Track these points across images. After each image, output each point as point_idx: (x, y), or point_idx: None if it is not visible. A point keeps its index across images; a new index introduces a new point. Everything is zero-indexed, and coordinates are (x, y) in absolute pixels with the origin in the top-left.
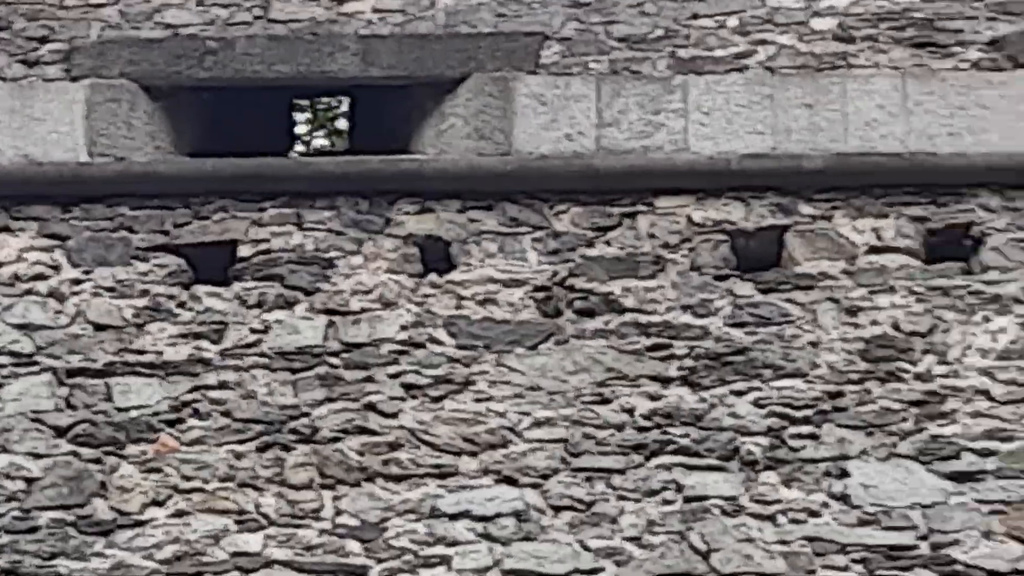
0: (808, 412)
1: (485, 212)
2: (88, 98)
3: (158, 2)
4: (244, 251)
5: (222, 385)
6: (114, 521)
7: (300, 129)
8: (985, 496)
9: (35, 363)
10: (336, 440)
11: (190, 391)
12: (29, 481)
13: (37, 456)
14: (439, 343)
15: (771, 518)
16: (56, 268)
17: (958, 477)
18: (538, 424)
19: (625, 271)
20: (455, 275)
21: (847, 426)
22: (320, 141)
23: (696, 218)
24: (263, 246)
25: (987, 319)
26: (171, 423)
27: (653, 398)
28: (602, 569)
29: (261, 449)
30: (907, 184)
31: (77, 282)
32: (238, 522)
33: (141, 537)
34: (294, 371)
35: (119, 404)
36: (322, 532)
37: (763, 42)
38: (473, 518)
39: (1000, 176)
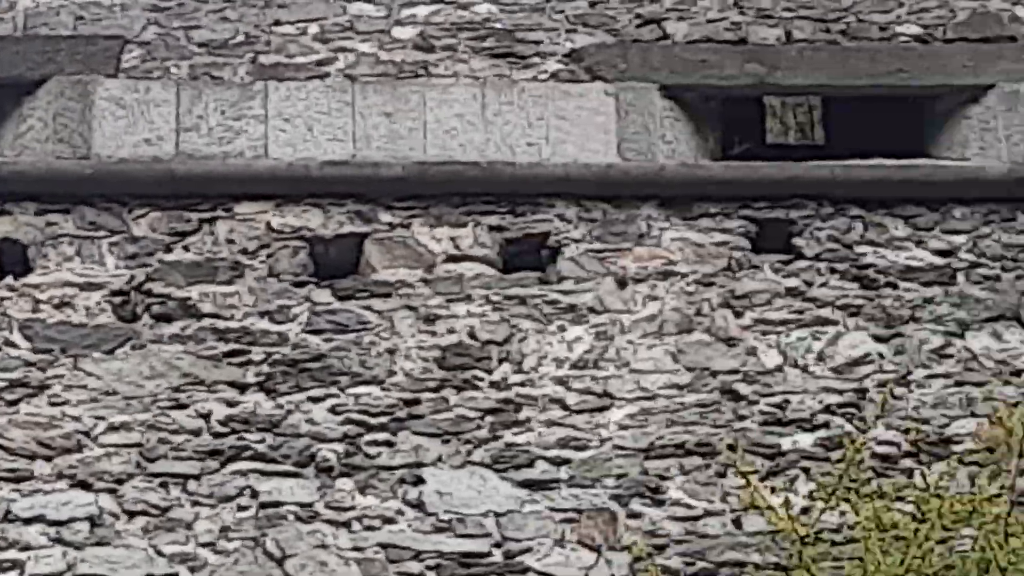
0: (384, 419)
1: (63, 215)
2: None
3: None
4: None
5: None
6: None
7: None
8: (558, 504)
9: None
10: None
11: None
12: None
13: None
14: (15, 346)
15: (346, 524)
16: None
17: (532, 485)
18: (114, 429)
19: (203, 276)
20: (32, 278)
21: (423, 433)
22: None
23: (275, 224)
24: None
25: (563, 328)
26: None
27: (230, 404)
28: (176, 574)
29: None
30: (485, 193)
31: None
32: None
33: None
34: None
35: None
36: None
37: (344, 50)
38: (47, 522)
39: (577, 187)
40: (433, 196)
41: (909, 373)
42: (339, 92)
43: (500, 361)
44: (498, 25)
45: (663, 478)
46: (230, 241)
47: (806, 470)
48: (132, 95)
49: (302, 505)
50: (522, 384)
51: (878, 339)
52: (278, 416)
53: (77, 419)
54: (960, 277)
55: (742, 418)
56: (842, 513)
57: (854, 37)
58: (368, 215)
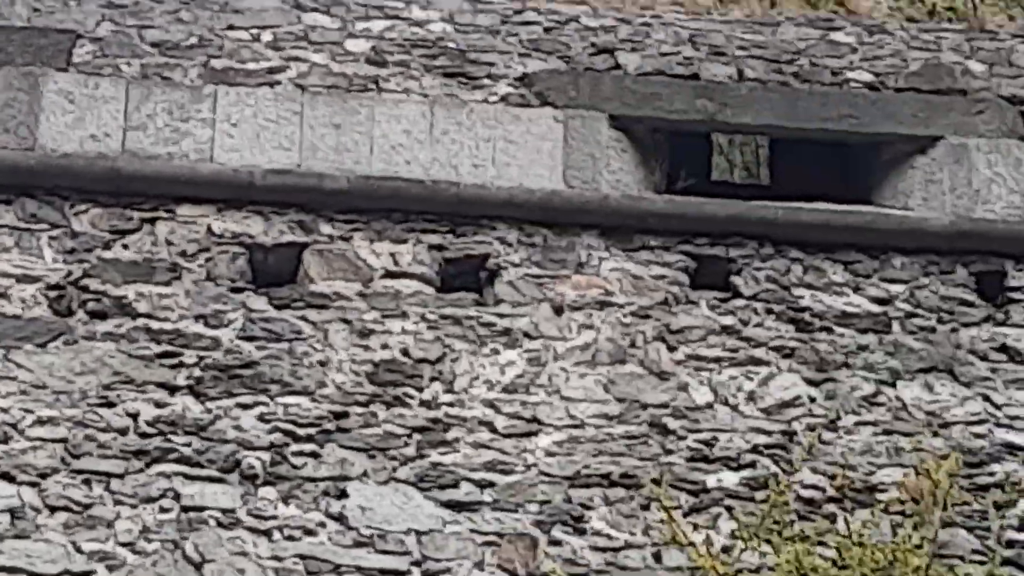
0: (312, 430)
1: (4, 206)
2: None
3: None
4: None
5: None
6: None
7: None
8: (480, 527)
9: None
10: None
11: None
12: None
13: None
14: None
15: (267, 533)
16: None
17: (455, 506)
18: (41, 422)
19: (141, 276)
20: None
21: (350, 447)
22: None
23: (216, 229)
24: None
25: (496, 351)
26: None
27: (159, 405)
28: (94, 572)
29: None
30: (428, 211)
31: None
32: None
33: None
34: None
35: None
36: None
37: (296, 59)
38: None
39: (519, 211)
40: (375, 211)
41: (838, 418)
42: (288, 101)
43: (432, 380)
44: (452, 45)
45: (586, 507)
46: (170, 242)
47: (729, 508)
48: (82, 90)
49: (224, 511)
50: (452, 404)
51: (810, 382)
52: (206, 420)
53: (5, 411)
54: (895, 326)
55: (669, 452)
56: (763, 554)
57: (806, 80)
58: (309, 225)
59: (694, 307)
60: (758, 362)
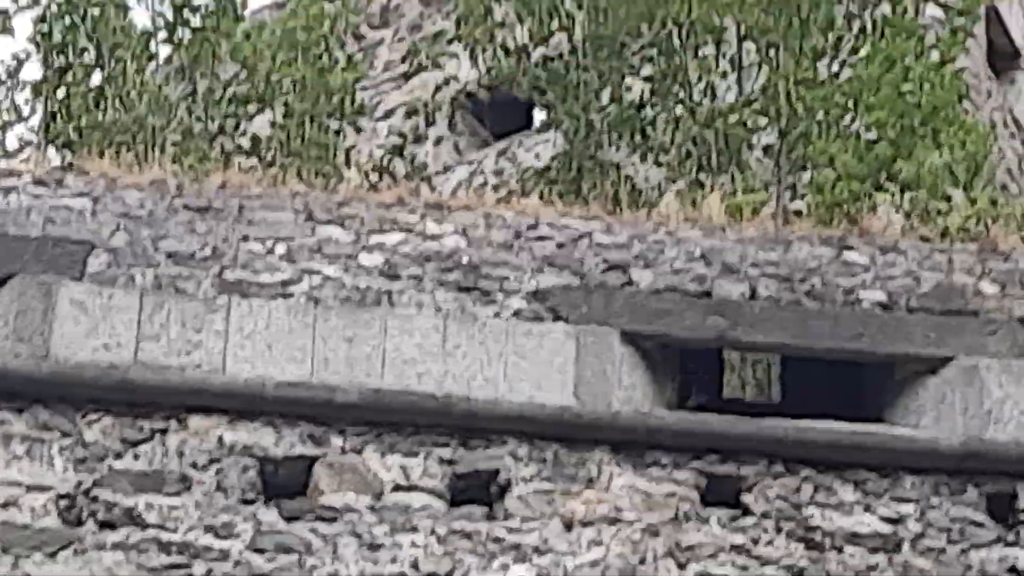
0: None
1: (16, 415)
2: None
3: None
4: None
5: None
6: None
7: None
8: None
9: None
10: None
11: None
12: None
13: None
14: None
15: None
16: None
17: None
18: None
19: (151, 486)
20: None
21: None
22: None
23: (227, 440)
24: None
25: (506, 566)
26: None
27: None
28: None
29: None
30: (439, 425)
31: None
32: None
33: None
34: None
35: None
36: None
37: (310, 271)
38: None
39: (530, 426)
40: (387, 424)
41: None
42: (301, 313)
43: None
44: (465, 259)
45: None
46: (180, 453)
47: None
48: (95, 300)
49: None
50: None
51: None
52: None
53: None
54: (906, 546)
55: None
56: None
57: (818, 299)
58: (320, 438)
59: (704, 524)
60: None
